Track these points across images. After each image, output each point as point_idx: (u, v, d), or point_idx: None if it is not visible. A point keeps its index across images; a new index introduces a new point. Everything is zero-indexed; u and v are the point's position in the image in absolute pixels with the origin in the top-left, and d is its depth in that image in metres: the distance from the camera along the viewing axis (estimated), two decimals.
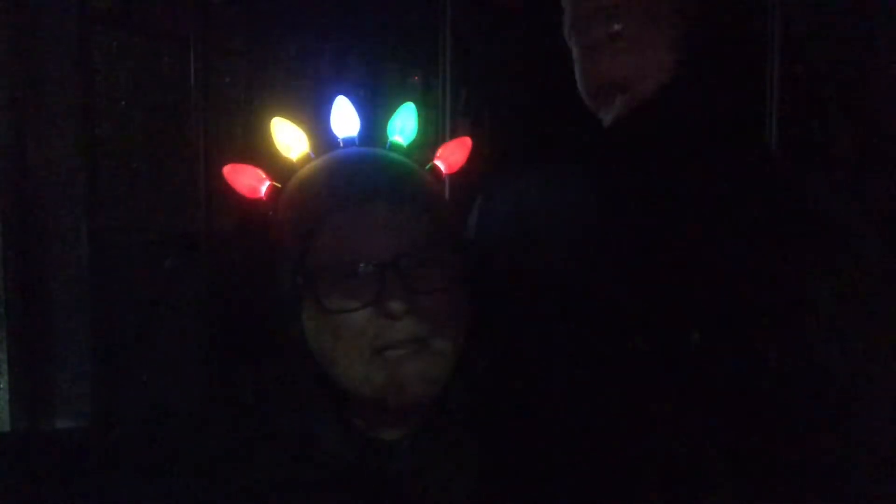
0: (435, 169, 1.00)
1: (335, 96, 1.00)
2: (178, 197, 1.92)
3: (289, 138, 0.97)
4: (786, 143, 1.40)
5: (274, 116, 0.98)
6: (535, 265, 1.00)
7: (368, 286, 0.83)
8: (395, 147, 0.98)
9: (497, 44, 1.76)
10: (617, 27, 1.00)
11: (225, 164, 0.97)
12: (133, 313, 1.90)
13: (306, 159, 0.96)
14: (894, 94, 1.18)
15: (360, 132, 0.99)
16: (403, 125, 1.00)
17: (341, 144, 0.98)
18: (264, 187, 0.96)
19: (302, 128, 0.98)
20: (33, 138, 1.81)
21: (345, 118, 0.99)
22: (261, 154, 1.00)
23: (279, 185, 0.96)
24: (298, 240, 0.87)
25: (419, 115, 1.01)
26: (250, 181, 0.96)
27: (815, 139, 1.40)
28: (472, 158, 1.02)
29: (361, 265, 0.84)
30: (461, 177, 1.05)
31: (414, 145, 0.99)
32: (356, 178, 0.89)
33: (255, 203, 0.96)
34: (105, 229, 1.86)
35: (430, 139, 1.03)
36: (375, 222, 0.85)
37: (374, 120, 1.02)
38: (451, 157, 1.01)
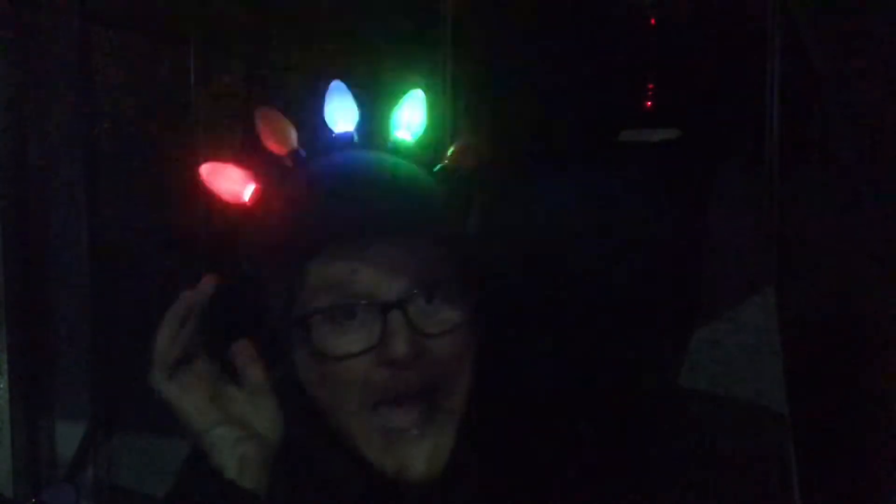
0: (445, 172, 0.85)
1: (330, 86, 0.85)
2: (177, 197, 1.91)
3: (275, 132, 0.82)
4: (786, 143, 1.40)
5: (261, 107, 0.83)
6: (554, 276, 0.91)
7: (370, 329, 0.74)
8: (399, 146, 0.84)
9: (502, 44, 1.76)
10: None
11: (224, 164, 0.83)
12: (133, 313, 1.89)
13: (295, 158, 0.83)
14: (894, 94, 1.18)
15: (359, 126, 0.85)
16: (410, 118, 0.85)
17: (336, 141, 0.85)
18: (248, 191, 0.82)
19: (292, 120, 0.84)
20: (33, 138, 1.81)
21: (341, 108, 0.84)
22: (248, 151, 0.86)
23: (266, 189, 0.82)
24: (287, 277, 0.76)
25: (429, 106, 0.86)
26: (233, 184, 0.82)
27: (815, 139, 1.40)
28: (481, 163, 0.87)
29: (361, 306, 0.74)
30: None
31: (422, 142, 0.85)
32: (356, 203, 0.75)
33: (238, 210, 0.82)
34: (105, 229, 1.86)
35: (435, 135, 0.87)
36: (379, 259, 0.74)
37: (372, 109, 0.87)
38: (463, 160, 0.85)
